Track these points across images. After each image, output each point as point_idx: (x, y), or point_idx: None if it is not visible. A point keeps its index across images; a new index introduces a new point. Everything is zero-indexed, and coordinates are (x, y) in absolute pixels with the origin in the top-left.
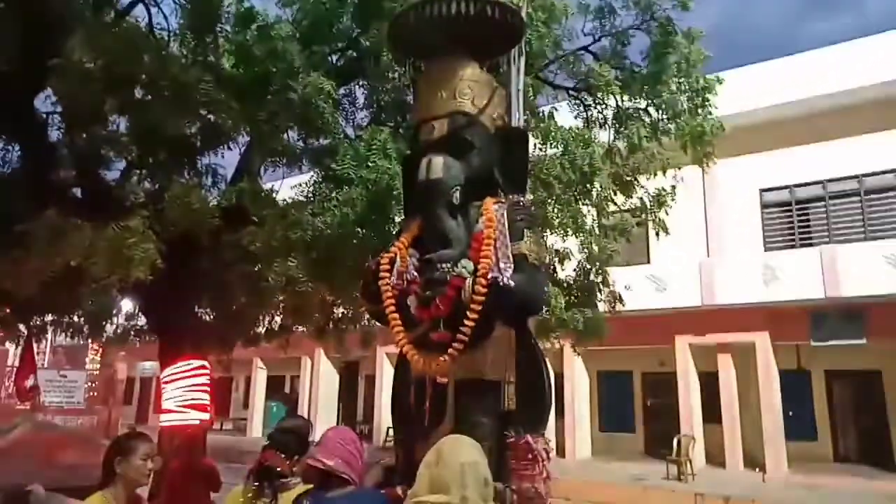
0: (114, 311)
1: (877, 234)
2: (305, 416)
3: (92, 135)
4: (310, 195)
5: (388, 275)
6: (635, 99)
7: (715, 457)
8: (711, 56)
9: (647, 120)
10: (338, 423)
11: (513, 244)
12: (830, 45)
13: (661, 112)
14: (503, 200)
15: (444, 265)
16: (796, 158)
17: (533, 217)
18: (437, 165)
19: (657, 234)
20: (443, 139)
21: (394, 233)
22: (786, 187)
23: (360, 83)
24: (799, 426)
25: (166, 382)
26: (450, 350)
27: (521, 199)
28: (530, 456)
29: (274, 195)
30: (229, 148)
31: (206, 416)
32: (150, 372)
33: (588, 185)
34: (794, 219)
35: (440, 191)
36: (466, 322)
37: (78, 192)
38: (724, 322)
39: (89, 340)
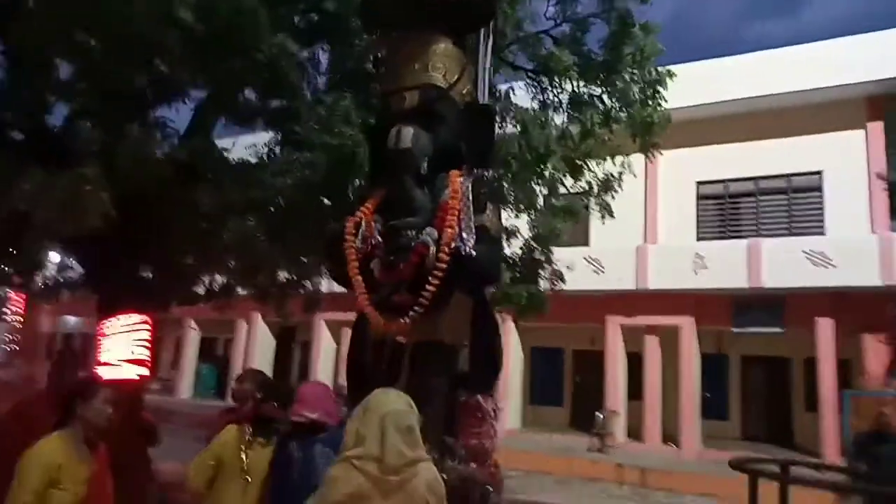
0: (46, 263)
1: (800, 230)
2: None
3: (36, 77)
4: (268, 156)
5: (352, 238)
6: (590, 86)
7: (635, 432)
8: (665, 50)
9: (601, 107)
10: None
11: (475, 216)
12: (769, 49)
13: (613, 100)
14: (468, 174)
15: (409, 232)
16: (732, 155)
17: (494, 191)
18: (407, 135)
19: (602, 217)
20: (413, 110)
21: (352, 198)
22: (721, 181)
23: (323, 47)
24: (713, 406)
25: (104, 336)
26: (410, 312)
27: (486, 173)
28: (479, 414)
29: (226, 153)
30: (184, 102)
31: (145, 371)
32: (74, 327)
33: (542, 166)
34: (726, 211)
35: (408, 160)
36: (428, 287)
37: (22, 136)
38: (653, 305)
39: (8, 291)
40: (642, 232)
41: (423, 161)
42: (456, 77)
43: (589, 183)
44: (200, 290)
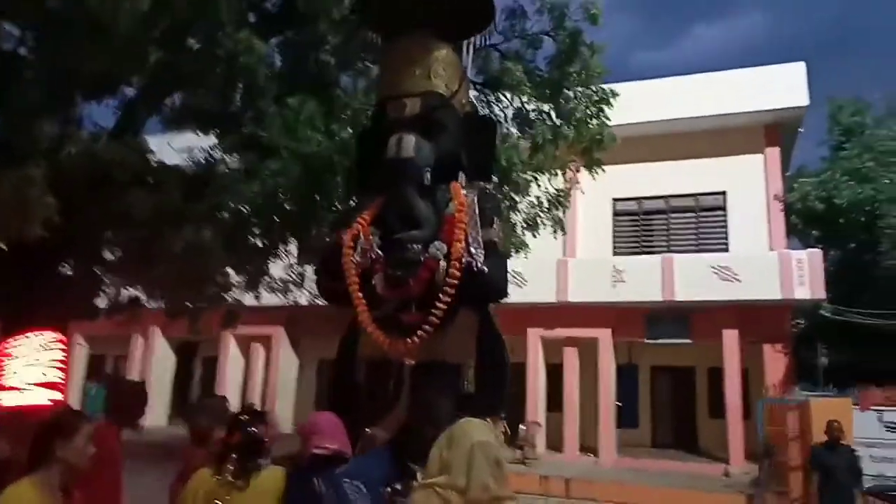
0: None
1: (706, 247)
2: None
3: None
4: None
5: (352, 251)
6: (539, 102)
7: (554, 442)
8: (611, 71)
9: (550, 123)
10: (171, 408)
11: (483, 230)
12: (680, 76)
13: (559, 118)
14: (471, 186)
15: (415, 245)
16: (646, 173)
17: (500, 205)
18: (409, 144)
19: (555, 231)
20: (415, 118)
21: (329, 207)
22: (635, 199)
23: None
24: (626, 416)
25: (7, 356)
26: (419, 332)
27: (487, 186)
28: None
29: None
30: (114, 97)
31: (59, 395)
32: None
33: (507, 179)
34: (640, 227)
35: (411, 170)
36: (439, 304)
37: None
38: (573, 318)
39: None
40: (562, 246)
41: (426, 171)
42: (457, 86)
43: (537, 198)
44: (102, 303)
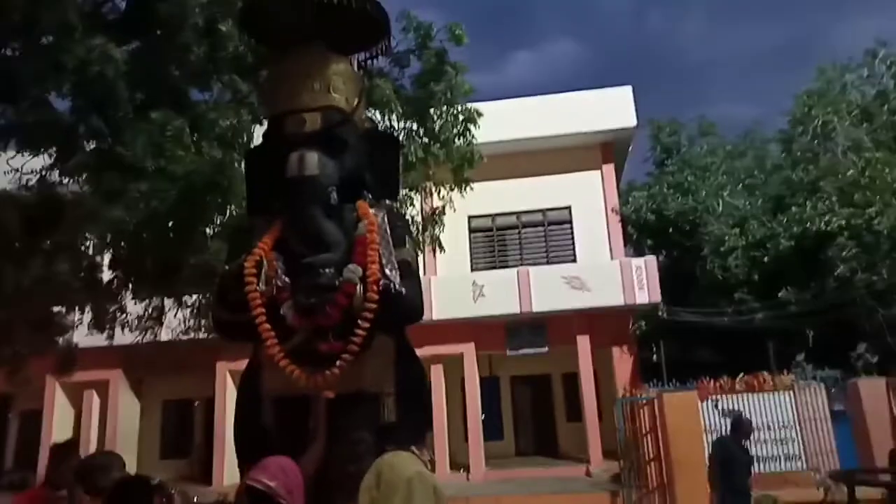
0: None
1: (556, 259)
2: None
3: None
4: (64, 183)
5: (255, 280)
6: (406, 120)
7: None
8: (475, 90)
9: (419, 141)
10: None
11: (396, 250)
12: (521, 97)
13: (427, 136)
14: (378, 205)
15: (328, 269)
16: (498, 190)
17: (408, 224)
18: (312, 161)
19: (434, 251)
20: (316, 134)
21: (208, 231)
22: (488, 215)
23: (137, 54)
24: (490, 428)
25: None
26: (338, 361)
27: (395, 205)
28: None
29: None
30: None
31: None
32: None
33: None
34: (494, 243)
35: (315, 189)
36: (358, 331)
37: None
38: (438, 335)
39: None
40: (422, 265)
41: (332, 190)
42: (356, 101)
43: (412, 217)
44: None
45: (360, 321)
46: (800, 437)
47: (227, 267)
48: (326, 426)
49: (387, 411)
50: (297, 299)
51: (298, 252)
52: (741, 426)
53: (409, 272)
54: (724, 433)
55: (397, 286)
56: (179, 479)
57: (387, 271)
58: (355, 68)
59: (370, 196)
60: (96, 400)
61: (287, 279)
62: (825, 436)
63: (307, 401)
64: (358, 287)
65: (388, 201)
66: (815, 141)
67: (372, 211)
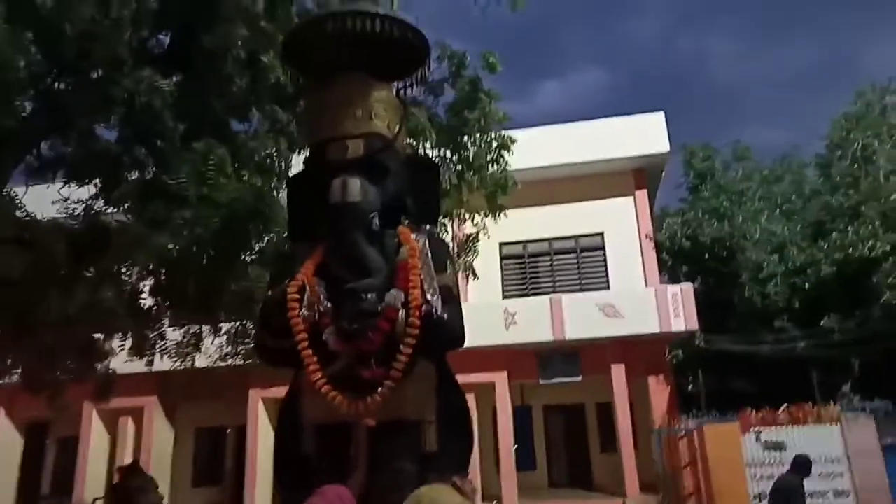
0: None
1: (589, 286)
2: None
3: None
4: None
5: (297, 306)
6: (441, 148)
7: None
8: (511, 117)
9: (453, 168)
10: (18, 500)
11: (438, 276)
12: (553, 125)
13: (460, 163)
14: (419, 230)
15: (370, 295)
16: (529, 217)
17: (449, 249)
18: (355, 188)
19: (467, 278)
20: (358, 161)
21: (248, 258)
22: (520, 242)
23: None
24: (523, 458)
25: None
26: (380, 388)
27: (436, 230)
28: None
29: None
30: None
31: None
32: None
33: None
34: (526, 270)
35: (358, 215)
36: (400, 357)
37: None
38: (470, 363)
39: None
40: None
41: (375, 216)
42: (398, 127)
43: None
44: None
45: (402, 347)
46: (849, 472)
47: (269, 293)
48: (367, 454)
49: (428, 440)
50: (340, 325)
51: (341, 278)
52: (805, 465)
53: (451, 297)
54: (767, 466)
55: (439, 311)
56: None
57: (429, 296)
58: (402, 94)
59: (410, 221)
60: (131, 426)
61: (329, 305)
62: (876, 471)
63: (348, 428)
64: (400, 312)
65: (428, 226)
66: (856, 165)
67: (413, 236)
